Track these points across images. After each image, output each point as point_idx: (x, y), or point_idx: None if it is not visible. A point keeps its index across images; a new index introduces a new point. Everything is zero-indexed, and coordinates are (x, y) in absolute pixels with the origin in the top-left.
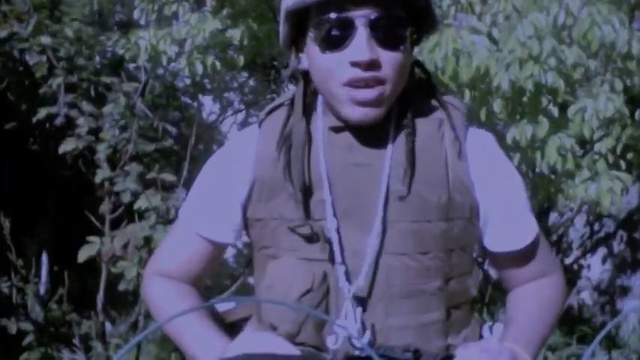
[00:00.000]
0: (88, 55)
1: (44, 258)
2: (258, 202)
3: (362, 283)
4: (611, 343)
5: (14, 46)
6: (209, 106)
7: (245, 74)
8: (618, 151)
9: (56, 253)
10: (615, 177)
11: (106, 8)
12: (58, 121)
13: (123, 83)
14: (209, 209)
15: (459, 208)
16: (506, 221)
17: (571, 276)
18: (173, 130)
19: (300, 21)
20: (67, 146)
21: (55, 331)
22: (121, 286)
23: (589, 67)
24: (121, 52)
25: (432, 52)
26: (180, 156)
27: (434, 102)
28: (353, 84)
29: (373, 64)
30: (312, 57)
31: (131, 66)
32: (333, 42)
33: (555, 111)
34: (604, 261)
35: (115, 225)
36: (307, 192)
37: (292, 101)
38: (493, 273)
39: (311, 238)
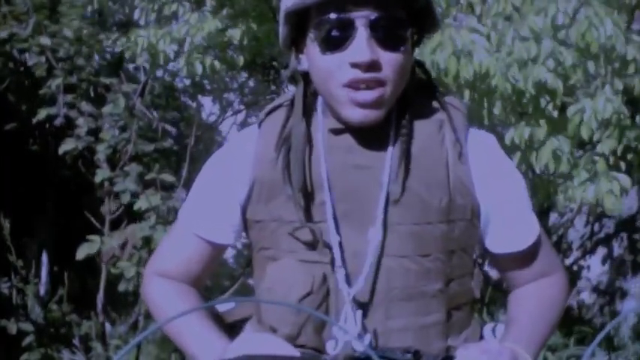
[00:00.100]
0: (87, 54)
1: (44, 258)
2: (258, 204)
3: (362, 286)
4: (611, 344)
5: (14, 46)
6: (209, 106)
7: (245, 75)
8: (619, 152)
9: (56, 254)
10: (614, 179)
11: (106, 8)
12: (58, 121)
13: (122, 84)
14: (208, 210)
15: (460, 209)
16: (508, 222)
17: (571, 277)
18: (173, 130)
19: (300, 21)
20: (67, 146)
21: (55, 331)
22: (121, 287)
23: (588, 69)
24: (119, 50)
25: (434, 52)
26: (180, 156)
27: (434, 103)
28: (353, 85)
29: (373, 65)
30: (312, 58)
31: (130, 66)
32: (333, 43)
33: (554, 112)
34: (604, 262)
35: (115, 225)
36: (307, 194)
37: (292, 102)
38: (493, 274)
39: (311, 243)
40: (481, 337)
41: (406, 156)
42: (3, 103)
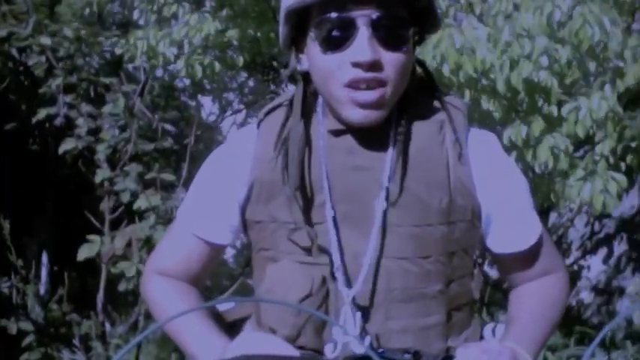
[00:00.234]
0: (87, 53)
1: (44, 258)
2: (257, 204)
3: (361, 287)
4: (612, 344)
5: (13, 45)
6: (208, 106)
7: (244, 74)
8: (619, 151)
9: (56, 253)
10: (611, 178)
11: (106, 9)
12: (58, 121)
13: (122, 84)
14: (207, 210)
15: (460, 210)
16: (509, 222)
17: (571, 277)
18: (173, 130)
19: (300, 21)
20: (67, 146)
21: (55, 331)
22: (121, 286)
23: (587, 67)
24: (119, 52)
25: (437, 47)
26: (180, 156)
27: (435, 103)
28: (354, 85)
29: (375, 65)
30: (313, 57)
31: (130, 66)
32: (334, 42)
33: (551, 110)
34: (604, 262)
35: (115, 225)
36: (305, 195)
37: (291, 102)
38: (493, 273)
39: (308, 248)
40: (481, 338)
41: (405, 157)
42: (3, 102)
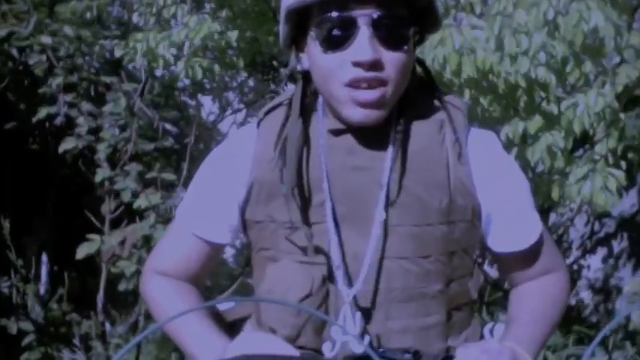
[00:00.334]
0: (87, 53)
1: (44, 258)
2: (257, 204)
3: (361, 287)
4: (612, 343)
5: (13, 45)
6: (208, 105)
7: (244, 74)
8: (619, 151)
9: (56, 253)
10: (610, 175)
11: (105, 12)
12: (58, 120)
13: (123, 83)
14: (206, 209)
15: (460, 210)
16: (510, 221)
17: (571, 276)
18: (173, 129)
19: (300, 20)
20: (67, 145)
21: (55, 331)
22: (121, 286)
23: (585, 65)
24: (119, 54)
25: (436, 48)
26: (180, 155)
27: (435, 102)
28: (354, 84)
29: (376, 65)
30: (313, 57)
31: (130, 66)
32: (335, 41)
33: (549, 107)
34: (604, 261)
35: (115, 225)
36: (304, 195)
37: (291, 101)
38: (492, 273)
39: (304, 247)
40: (481, 337)
41: (404, 156)
42: (2, 102)
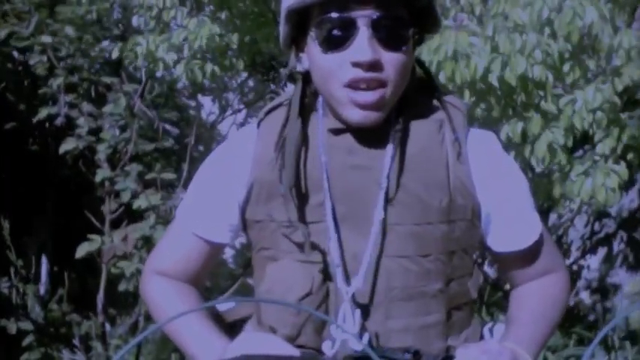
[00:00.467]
0: (87, 54)
1: (44, 258)
2: (257, 204)
3: (360, 286)
4: (610, 345)
5: (12, 45)
6: (208, 106)
7: (244, 74)
8: (619, 150)
9: (56, 253)
10: (611, 171)
11: (105, 16)
12: (59, 121)
13: (123, 84)
14: (206, 209)
15: (460, 210)
16: (509, 221)
17: (571, 277)
18: (173, 130)
19: (300, 20)
20: (68, 146)
21: (55, 331)
22: (121, 287)
23: (583, 62)
24: (116, 55)
25: (435, 53)
26: (180, 156)
27: (435, 102)
28: (354, 85)
29: (375, 65)
30: (313, 57)
31: (131, 66)
32: (335, 42)
33: (548, 106)
34: (604, 261)
35: (115, 225)
36: (303, 194)
37: (291, 101)
38: (492, 273)
39: (301, 244)
40: (481, 337)
41: (403, 155)
42: (2, 102)
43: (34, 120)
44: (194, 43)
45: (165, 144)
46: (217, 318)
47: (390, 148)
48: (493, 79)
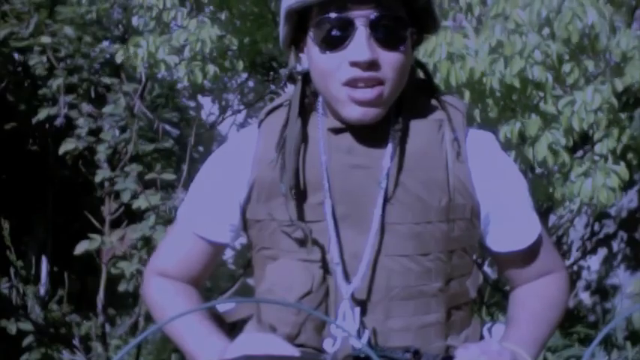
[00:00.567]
0: (87, 55)
1: (44, 258)
2: (257, 204)
3: (360, 284)
4: (611, 344)
5: (12, 45)
6: (208, 106)
7: (244, 75)
8: (618, 151)
9: (56, 254)
10: (611, 171)
11: (105, 17)
12: (59, 121)
13: (123, 83)
14: (207, 209)
15: (459, 209)
16: (508, 221)
17: (571, 277)
18: (173, 130)
19: (300, 21)
20: (68, 146)
21: (55, 331)
22: (121, 287)
23: (582, 63)
24: (119, 60)
25: (431, 55)
26: (180, 157)
27: (434, 103)
28: (352, 84)
29: (373, 65)
30: (312, 57)
31: (131, 67)
32: (333, 42)
33: (547, 107)
34: (604, 262)
35: (115, 226)
36: (303, 193)
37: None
38: (492, 274)
39: (303, 241)
40: (481, 338)
41: (403, 155)
42: (2, 103)
43: (34, 120)
44: (195, 45)
45: (165, 144)
46: (218, 319)
47: (389, 147)
48: (494, 81)
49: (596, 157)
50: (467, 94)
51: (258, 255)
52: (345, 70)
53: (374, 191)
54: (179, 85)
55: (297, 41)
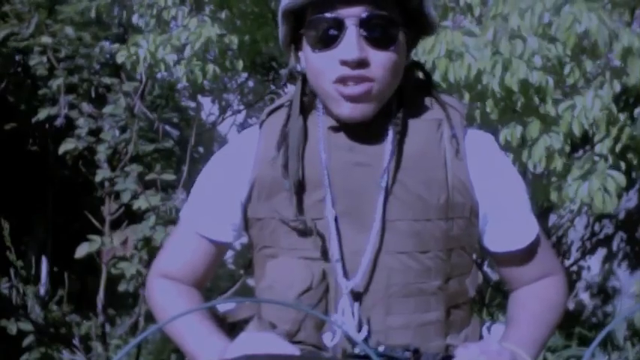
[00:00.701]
0: (87, 55)
1: (44, 258)
2: (258, 202)
3: (360, 281)
4: (611, 344)
5: (12, 46)
6: (208, 107)
7: (244, 75)
8: (617, 150)
9: (56, 254)
10: (609, 176)
11: (105, 14)
12: (59, 121)
13: (123, 83)
14: (209, 209)
15: (458, 207)
16: (506, 222)
17: (571, 278)
18: (173, 131)
19: (297, 21)
20: (68, 146)
21: (55, 331)
22: (121, 287)
23: (582, 65)
24: (120, 60)
25: (430, 52)
26: (180, 157)
27: (433, 102)
28: (342, 81)
29: (362, 63)
30: (306, 56)
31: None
32: (324, 41)
33: (547, 110)
34: (604, 262)
35: (115, 226)
36: (304, 191)
37: (292, 101)
38: (493, 275)
39: (305, 233)
40: (481, 337)
41: (402, 153)
42: (2, 103)
43: (34, 120)
44: (195, 44)
45: (165, 145)
46: (218, 319)
47: (389, 145)
48: (494, 84)
49: (596, 158)
50: (467, 95)
51: (259, 254)
52: (336, 68)
53: (374, 189)
54: (179, 85)
55: (296, 41)
